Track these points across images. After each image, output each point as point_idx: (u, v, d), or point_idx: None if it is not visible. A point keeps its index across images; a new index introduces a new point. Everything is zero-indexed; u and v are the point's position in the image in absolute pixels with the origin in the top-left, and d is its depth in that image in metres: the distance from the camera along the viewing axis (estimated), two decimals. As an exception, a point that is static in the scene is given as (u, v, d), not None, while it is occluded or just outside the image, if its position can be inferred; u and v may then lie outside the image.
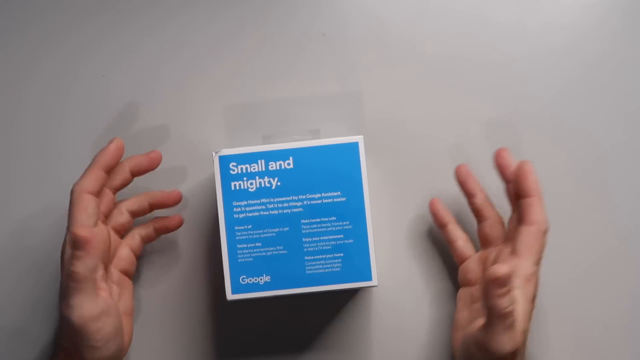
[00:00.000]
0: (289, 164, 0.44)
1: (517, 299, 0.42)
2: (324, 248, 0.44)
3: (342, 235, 0.44)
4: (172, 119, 0.51)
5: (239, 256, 0.44)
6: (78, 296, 0.41)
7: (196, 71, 0.51)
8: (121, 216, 0.47)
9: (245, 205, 0.44)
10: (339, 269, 0.44)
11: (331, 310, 0.50)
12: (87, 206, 0.43)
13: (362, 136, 0.44)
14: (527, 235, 0.43)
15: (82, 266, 0.40)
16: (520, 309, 0.42)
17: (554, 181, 0.50)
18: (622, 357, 0.49)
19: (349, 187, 0.44)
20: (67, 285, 0.41)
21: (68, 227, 0.43)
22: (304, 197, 0.44)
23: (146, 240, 0.48)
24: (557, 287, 0.50)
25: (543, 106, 0.51)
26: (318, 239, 0.44)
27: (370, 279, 0.44)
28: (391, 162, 0.51)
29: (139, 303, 0.50)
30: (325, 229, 0.44)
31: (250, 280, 0.44)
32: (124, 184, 0.47)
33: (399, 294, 0.50)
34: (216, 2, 0.52)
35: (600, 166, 0.50)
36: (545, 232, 0.43)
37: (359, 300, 0.50)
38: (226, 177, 0.44)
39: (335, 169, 0.44)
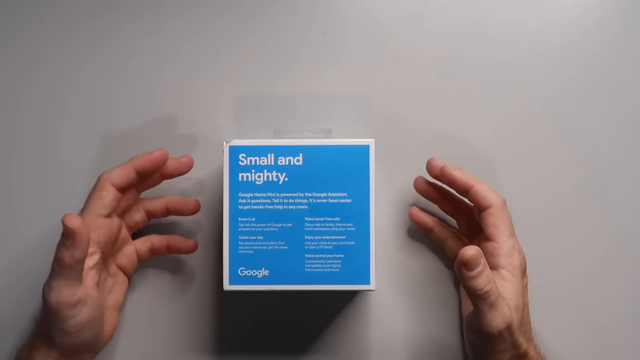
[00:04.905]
0: (298, 161, 0.44)
1: (505, 277, 0.43)
2: (325, 247, 0.44)
3: (344, 237, 0.44)
4: (172, 118, 0.51)
5: (239, 248, 0.44)
6: (59, 280, 0.40)
7: (196, 71, 0.51)
8: (137, 214, 0.47)
9: (250, 198, 0.44)
10: (338, 269, 0.44)
11: (330, 311, 0.50)
12: (105, 196, 0.44)
13: (373, 140, 0.44)
14: (489, 217, 0.45)
15: (68, 254, 0.40)
16: (509, 285, 0.43)
17: (554, 181, 0.50)
18: (622, 357, 0.50)
19: (356, 189, 0.44)
20: (52, 267, 0.41)
21: (82, 210, 0.44)
22: (310, 194, 0.44)
23: (156, 251, 0.48)
24: (557, 287, 0.50)
25: (543, 106, 0.51)
26: (320, 237, 0.44)
27: (368, 282, 0.44)
28: (391, 163, 0.51)
29: (135, 289, 0.50)
30: (328, 229, 0.44)
31: (248, 272, 0.44)
32: (152, 185, 0.47)
33: (398, 296, 0.50)
34: (216, 2, 0.51)
35: (600, 166, 0.51)
36: (503, 206, 0.45)
37: (357, 303, 0.50)
38: (234, 168, 0.44)
39: (343, 170, 0.44)
